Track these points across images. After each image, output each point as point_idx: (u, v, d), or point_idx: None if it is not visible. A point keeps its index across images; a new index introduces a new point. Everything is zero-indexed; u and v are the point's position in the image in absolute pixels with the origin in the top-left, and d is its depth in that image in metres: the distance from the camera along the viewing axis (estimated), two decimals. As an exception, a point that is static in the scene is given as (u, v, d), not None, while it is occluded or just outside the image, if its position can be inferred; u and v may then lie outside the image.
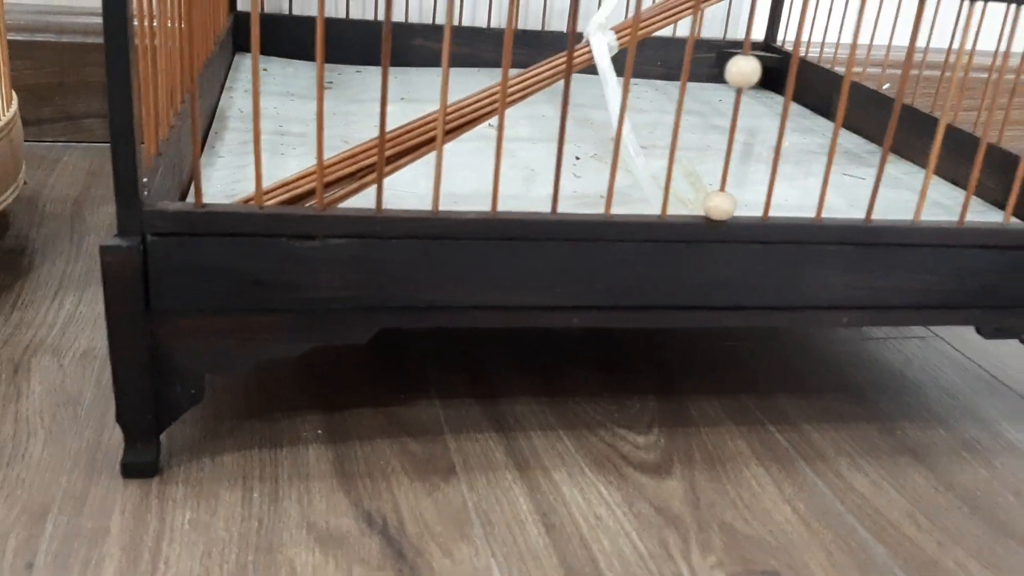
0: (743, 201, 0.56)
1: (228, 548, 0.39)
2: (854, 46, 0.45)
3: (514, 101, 0.48)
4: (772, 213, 0.53)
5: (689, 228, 0.43)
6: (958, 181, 0.64)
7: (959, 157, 0.64)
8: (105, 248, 0.38)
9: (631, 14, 0.88)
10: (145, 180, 0.40)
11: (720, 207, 0.43)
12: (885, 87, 0.83)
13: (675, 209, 0.46)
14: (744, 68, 0.40)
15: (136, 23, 0.39)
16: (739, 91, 0.40)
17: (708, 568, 0.40)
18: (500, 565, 0.39)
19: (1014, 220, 0.54)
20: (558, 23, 0.91)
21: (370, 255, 0.41)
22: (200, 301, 0.40)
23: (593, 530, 0.42)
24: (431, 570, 0.39)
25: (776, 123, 0.78)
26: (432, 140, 0.45)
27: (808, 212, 0.55)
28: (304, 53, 0.83)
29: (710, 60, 0.91)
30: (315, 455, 0.45)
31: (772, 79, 0.89)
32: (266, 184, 0.48)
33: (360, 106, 0.72)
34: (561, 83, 0.57)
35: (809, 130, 0.77)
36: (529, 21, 0.91)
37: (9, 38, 0.78)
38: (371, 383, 0.51)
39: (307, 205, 0.42)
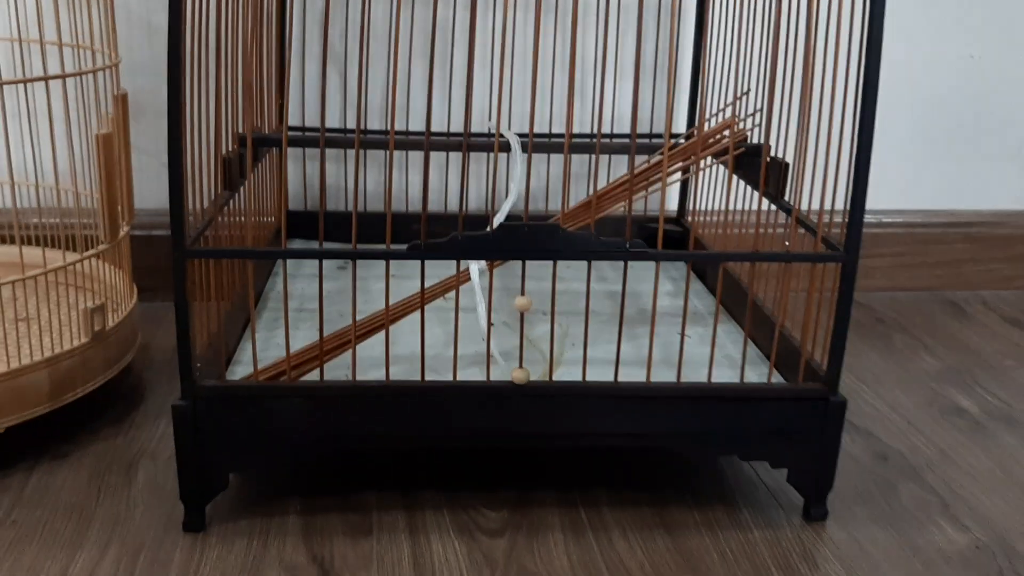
0: (593, 357, 0.86)
1: (234, 571, 0.71)
2: (692, 224, 0.75)
3: (407, 311, 0.80)
4: (606, 367, 0.83)
5: (500, 388, 0.74)
6: (757, 340, 0.92)
7: (758, 321, 0.93)
8: (174, 406, 0.72)
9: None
10: (199, 364, 0.74)
11: (518, 377, 0.74)
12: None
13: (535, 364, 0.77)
14: (520, 301, 0.71)
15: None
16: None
17: (500, 589, 0.70)
18: (381, 584, 0.70)
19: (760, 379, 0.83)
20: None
21: (316, 407, 0.73)
22: (224, 435, 0.73)
23: (442, 567, 0.72)
24: (342, 585, 0.70)
25: (661, 288, 1.07)
26: (355, 339, 0.78)
27: (638, 365, 0.83)
28: (340, 237, 1.17)
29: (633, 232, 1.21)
30: (292, 522, 0.77)
31: (680, 248, 1.18)
32: (273, 357, 0.82)
33: (363, 283, 1.05)
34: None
35: (682, 293, 1.06)
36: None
37: (133, 234, 1.14)
38: (334, 481, 0.83)
39: (281, 379, 0.75)
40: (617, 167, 1.21)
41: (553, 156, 1.21)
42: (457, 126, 1.18)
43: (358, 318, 0.79)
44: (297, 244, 1.16)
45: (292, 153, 1.18)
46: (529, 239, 0.71)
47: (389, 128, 0.73)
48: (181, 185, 0.68)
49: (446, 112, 1.18)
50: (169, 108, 0.66)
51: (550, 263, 0.72)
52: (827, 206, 0.75)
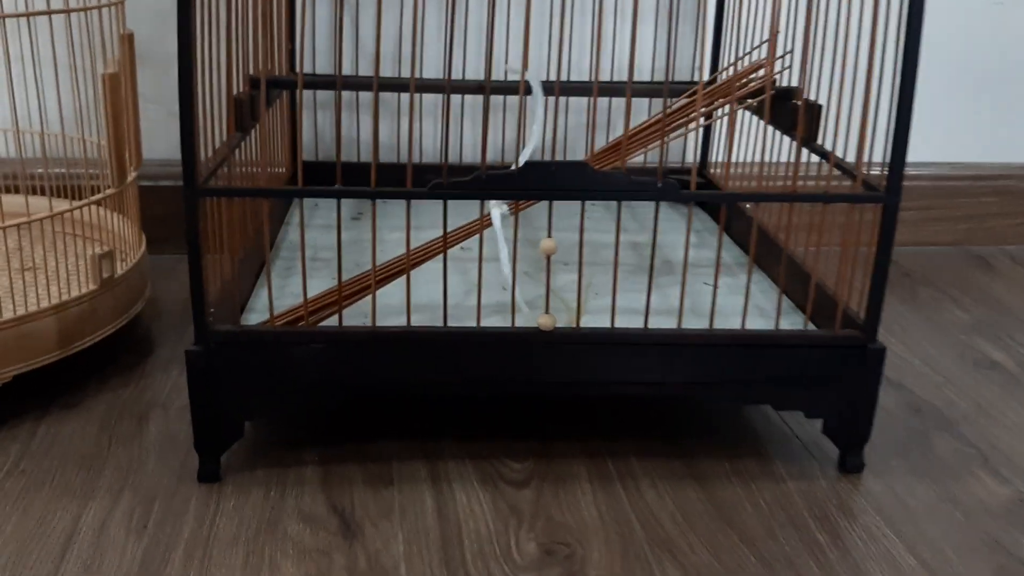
0: (617, 306, 0.83)
1: (251, 521, 0.68)
2: (727, 173, 0.72)
3: (429, 256, 0.77)
4: (632, 316, 0.80)
5: (526, 335, 0.71)
6: (788, 290, 0.89)
7: (790, 272, 0.90)
8: (187, 351, 0.69)
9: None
10: (212, 310, 0.71)
11: (545, 323, 0.71)
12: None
13: (560, 314, 0.74)
14: (546, 244, 0.69)
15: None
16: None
17: (527, 540, 0.67)
18: (404, 534, 0.68)
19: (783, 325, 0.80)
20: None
21: (336, 353, 0.70)
22: (239, 381, 0.70)
23: (467, 517, 0.70)
24: (364, 536, 0.67)
25: (683, 239, 1.04)
26: (375, 284, 0.75)
27: (664, 314, 0.80)
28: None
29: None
30: (310, 471, 0.74)
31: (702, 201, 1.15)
32: (287, 305, 0.79)
33: (377, 234, 1.02)
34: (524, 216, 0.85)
35: (707, 244, 1.03)
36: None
37: (141, 184, 1.11)
38: (352, 430, 0.80)
39: (299, 324, 0.72)
40: (635, 117, 1.17)
41: (571, 107, 1.18)
42: (472, 73, 1.14)
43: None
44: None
45: (304, 104, 1.15)
46: (556, 177, 0.68)
47: (390, 74, 0.70)
48: (192, 123, 0.65)
49: (462, 61, 1.15)
50: (180, 40, 0.63)
51: (574, 213, 0.69)
52: (865, 151, 0.72)
